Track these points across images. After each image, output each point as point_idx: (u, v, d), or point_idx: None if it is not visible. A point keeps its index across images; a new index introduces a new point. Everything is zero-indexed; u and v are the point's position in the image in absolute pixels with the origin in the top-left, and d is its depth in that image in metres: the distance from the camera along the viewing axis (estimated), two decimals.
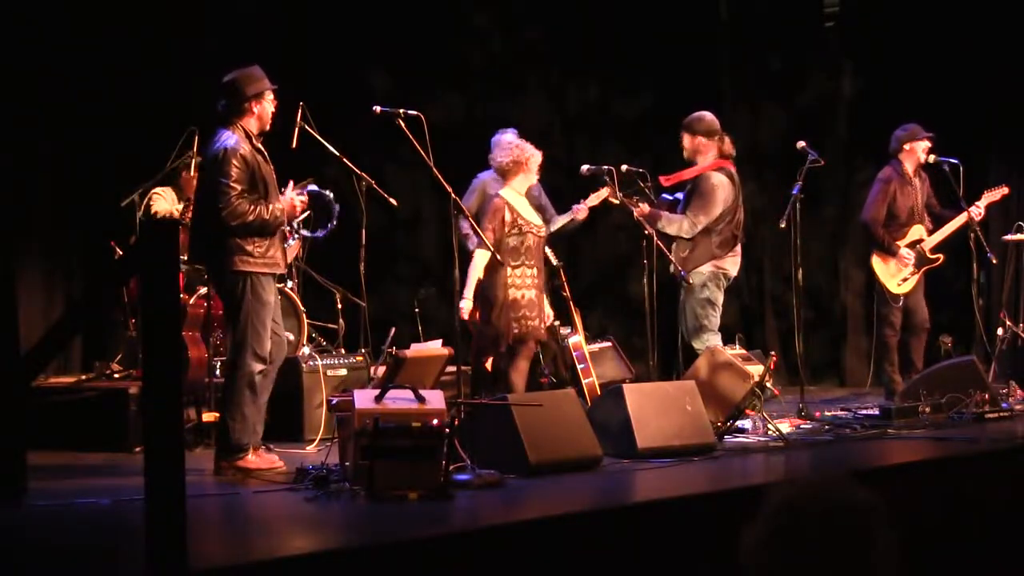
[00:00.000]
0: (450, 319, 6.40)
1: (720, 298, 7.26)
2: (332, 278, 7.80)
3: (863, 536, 1.96)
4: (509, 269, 6.58)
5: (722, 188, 7.23)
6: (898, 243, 7.99)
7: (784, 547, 1.97)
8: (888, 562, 1.96)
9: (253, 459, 5.61)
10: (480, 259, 6.62)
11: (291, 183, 5.97)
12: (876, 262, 8.06)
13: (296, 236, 7.32)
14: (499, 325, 6.57)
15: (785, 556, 1.96)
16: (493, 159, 6.94)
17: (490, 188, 7.55)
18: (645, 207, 7.25)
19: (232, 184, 5.53)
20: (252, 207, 5.55)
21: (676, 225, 7.20)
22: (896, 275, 8.00)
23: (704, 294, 7.17)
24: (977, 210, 7.98)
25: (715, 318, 7.20)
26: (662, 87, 9.82)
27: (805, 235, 7.56)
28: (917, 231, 8.06)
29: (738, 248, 7.40)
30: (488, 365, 6.83)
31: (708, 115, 7.43)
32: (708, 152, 7.35)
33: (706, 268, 7.19)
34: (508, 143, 6.95)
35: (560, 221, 7.97)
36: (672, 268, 6.98)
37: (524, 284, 6.63)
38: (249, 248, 5.60)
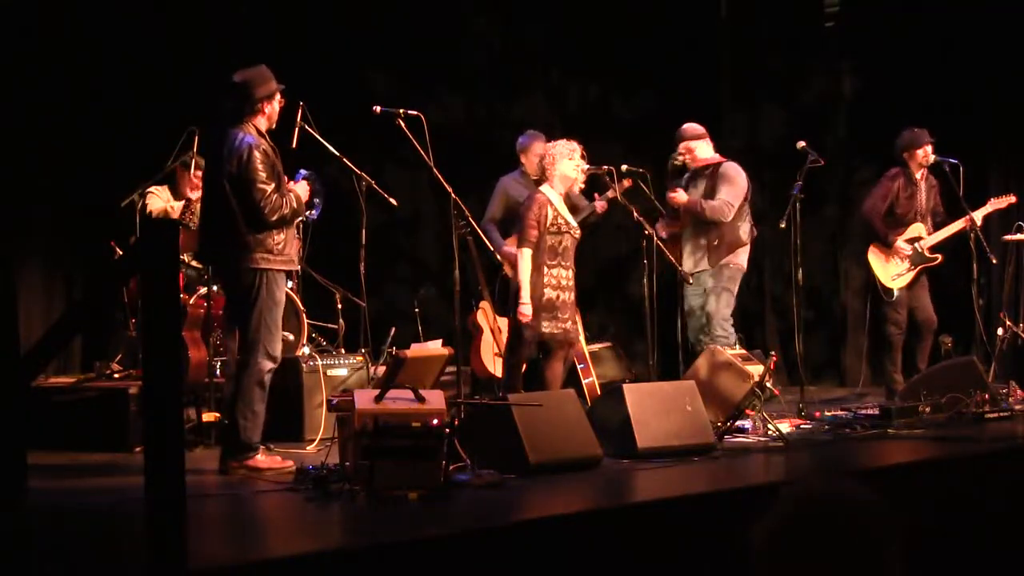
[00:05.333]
0: (450, 319, 6.39)
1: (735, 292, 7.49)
2: (332, 278, 7.80)
3: (874, 536, 1.97)
4: (546, 268, 6.47)
5: (742, 174, 7.47)
6: (895, 236, 8.01)
7: (796, 546, 1.98)
8: (897, 562, 1.97)
9: (262, 458, 5.61)
10: (526, 258, 6.46)
11: (284, 179, 5.96)
12: (872, 255, 8.09)
13: (296, 237, 7.31)
14: (534, 325, 6.47)
15: (798, 555, 1.97)
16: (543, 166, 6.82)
17: (511, 190, 7.56)
18: (682, 195, 7.36)
19: (266, 181, 5.55)
20: (283, 200, 5.61)
21: (717, 209, 7.33)
22: (891, 270, 8.02)
23: (731, 287, 7.40)
24: (973, 222, 7.98)
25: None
26: (662, 87, 9.82)
27: (805, 235, 7.57)
28: (916, 229, 8.07)
29: None
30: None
31: (693, 123, 7.67)
32: (709, 148, 7.58)
33: (737, 259, 7.39)
34: (544, 148, 6.86)
35: (581, 213, 7.99)
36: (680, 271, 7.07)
37: (560, 285, 6.50)
38: (269, 244, 5.62)
